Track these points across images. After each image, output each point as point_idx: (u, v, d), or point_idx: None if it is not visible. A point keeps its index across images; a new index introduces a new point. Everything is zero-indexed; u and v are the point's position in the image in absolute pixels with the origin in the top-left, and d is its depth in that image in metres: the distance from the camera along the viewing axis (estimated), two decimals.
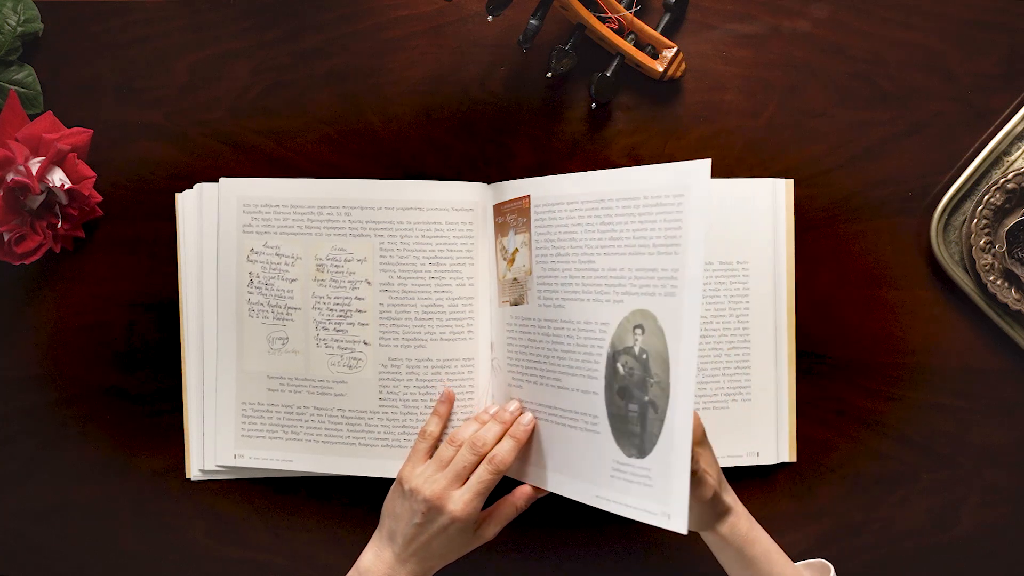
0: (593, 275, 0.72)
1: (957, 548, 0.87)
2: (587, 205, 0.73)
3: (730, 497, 0.75)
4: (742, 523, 0.75)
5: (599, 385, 0.72)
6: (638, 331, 0.69)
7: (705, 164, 0.66)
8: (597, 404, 0.72)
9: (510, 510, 0.77)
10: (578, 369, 0.74)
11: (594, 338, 0.72)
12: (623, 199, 0.71)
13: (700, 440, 0.73)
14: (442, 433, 0.79)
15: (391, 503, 0.76)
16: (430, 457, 0.76)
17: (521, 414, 0.77)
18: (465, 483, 0.73)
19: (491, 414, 0.77)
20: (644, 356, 0.69)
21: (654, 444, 0.68)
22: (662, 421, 0.67)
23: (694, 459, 0.72)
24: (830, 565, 0.79)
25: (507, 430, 0.76)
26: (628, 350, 0.70)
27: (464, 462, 0.73)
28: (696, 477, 0.71)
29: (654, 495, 0.68)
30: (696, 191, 0.67)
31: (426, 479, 0.73)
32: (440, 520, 0.72)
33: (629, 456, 0.70)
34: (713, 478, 0.73)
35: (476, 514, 0.73)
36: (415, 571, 0.74)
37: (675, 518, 0.66)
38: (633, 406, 0.70)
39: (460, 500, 0.72)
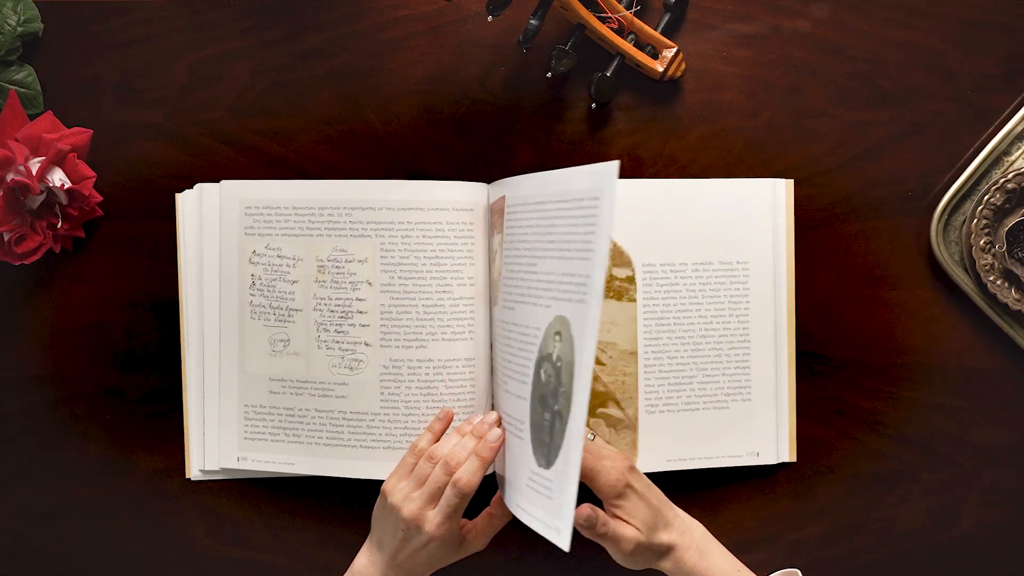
0: (534, 278, 0.70)
1: (957, 548, 0.87)
2: (538, 206, 0.70)
3: (671, 535, 0.73)
4: (688, 557, 0.73)
5: (527, 391, 0.70)
6: (557, 338, 0.67)
7: (612, 165, 0.61)
8: (525, 410, 0.70)
9: (495, 520, 0.77)
10: (516, 373, 0.72)
11: (529, 343, 0.70)
12: (560, 200, 0.67)
13: (620, 492, 0.71)
14: None
15: (378, 513, 0.76)
16: None
17: (493, 428, 0.74)
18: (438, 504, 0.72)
19: (472, 426, 0.75)
20: (559, 364, 0.66)
21: (557, 455, 0.65)
22: (563, 432, 0.64)
23: (608, 514, 0.70)
24: (798, 571, 0.78)
25: None
26: (548, 357, 0.67)
27: (438, 482, 0.71)
28: (608, 538, 0.70)
29: (552, 507, 0.65)
30: (605, 195, 0.62)
31: (404, 497, 0.72)
32: (419, 538, 0.72)
33: (540, 466, 0.67)
34: (637, 528, 0.71)
35: (452, 533, 0.72)
36: None
37: (562, 533, 0.63)
38: (547, 415, 0.67)
39: (433, 522, 0.71)
